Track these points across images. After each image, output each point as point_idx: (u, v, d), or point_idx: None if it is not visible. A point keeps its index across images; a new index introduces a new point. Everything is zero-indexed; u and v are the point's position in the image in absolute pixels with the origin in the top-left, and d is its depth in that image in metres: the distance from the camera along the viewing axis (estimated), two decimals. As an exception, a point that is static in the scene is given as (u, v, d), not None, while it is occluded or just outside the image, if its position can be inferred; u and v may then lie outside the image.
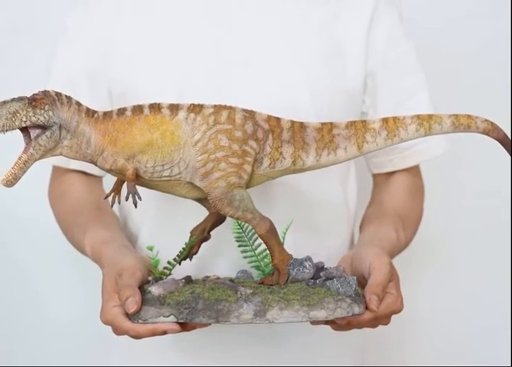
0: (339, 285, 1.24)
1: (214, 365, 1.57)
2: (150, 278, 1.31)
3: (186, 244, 1.35)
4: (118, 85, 1.55)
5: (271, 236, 1.27)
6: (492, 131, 1.27)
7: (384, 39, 1.58)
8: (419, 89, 1.61)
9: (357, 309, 1.24)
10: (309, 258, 1.28)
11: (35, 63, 1.86)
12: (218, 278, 1.32)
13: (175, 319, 1.23)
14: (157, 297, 1.24)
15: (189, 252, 1.36)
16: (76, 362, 2.08)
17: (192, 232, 1.36)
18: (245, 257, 1.36)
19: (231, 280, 1.30)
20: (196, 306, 1.22)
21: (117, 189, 1.30)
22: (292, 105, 1.48)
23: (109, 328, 1.31)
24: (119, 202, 1.30)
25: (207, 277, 1.34)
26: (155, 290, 1.25)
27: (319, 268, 1.29)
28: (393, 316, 1.34)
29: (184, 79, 1.51)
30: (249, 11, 1.53)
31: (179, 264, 1.35)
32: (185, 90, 1.49)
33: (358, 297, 1.25)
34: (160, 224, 1.56)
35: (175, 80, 1.51)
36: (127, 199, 1.23)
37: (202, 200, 1.31)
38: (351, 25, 1.56)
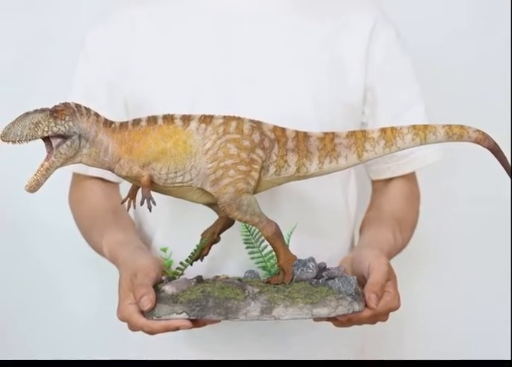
0: (340, 284, 1.24)
1: (223, 359, 1.57)
2: (163, 278, 1.31)
3: (197, 246, 1.35)
4: (134, 97, 1.55)
5: (277, 238, 1.27)
6: (483, 140, 1.27)
7: (382, 54, 1.58)
8: (416, 101, 1.61)
9: (357, 306, 1.24)
10: (312, 259, 1.29)
11: (56, 76, 1.87)
12: (227, 278, 1.32)
13: (187, 316, 1.23)
14: (170, 296, 1.24)
15: (200, 254, 1.36)
16: (94, 356, 2.07)
17: (202, 235, 1.36)
18: (252, 258, 1.36)
19: (240, 279, 1.30)
20: (206, 304, 1.22)
21: (132, 195, 1.31)
22: (296, 116, 1.47)
23: (125, 324, 1.31)
24: (134, 207, 1.30)
25: (217, 276, 1.34)
26: (168, 289, 1.25)
27: (322, 269, 1.29)
28: (391, 313, 1.34)
29: (195, 93, 1.50)
30: (255, 29, 1.53)
31: (191, 264, 1.35)
32: (196, 103, 1.49)
33: (358, 296, 1.25)
34: (173, 227, 1.56)
35: (186, 93, 1.51)
36: (142, 203, 1.23)
37: (213, 205, 1.31)
38: (351, 42, 1.56)
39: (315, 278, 1.27)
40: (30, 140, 1.17)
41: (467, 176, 2.10)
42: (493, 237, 2.13)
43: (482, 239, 2.12)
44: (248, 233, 1.36)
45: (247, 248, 1.36)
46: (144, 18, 1.57)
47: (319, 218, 1.57)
